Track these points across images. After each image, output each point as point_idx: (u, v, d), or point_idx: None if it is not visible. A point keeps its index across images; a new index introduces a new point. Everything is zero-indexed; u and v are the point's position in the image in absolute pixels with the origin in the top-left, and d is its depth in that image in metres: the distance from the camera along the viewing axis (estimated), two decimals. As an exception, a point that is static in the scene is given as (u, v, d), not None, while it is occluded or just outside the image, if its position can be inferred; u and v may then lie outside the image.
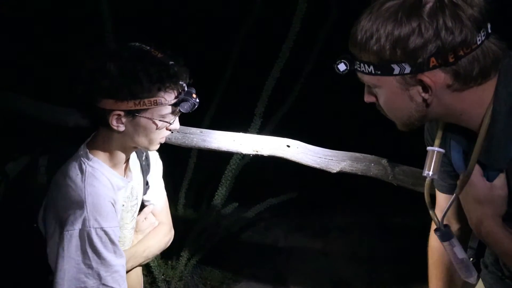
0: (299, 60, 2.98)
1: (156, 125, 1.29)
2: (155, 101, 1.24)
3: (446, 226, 1.13)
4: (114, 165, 1.36)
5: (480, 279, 1.36)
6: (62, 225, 1.26)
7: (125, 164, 1.42)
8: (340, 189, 3.80)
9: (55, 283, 1.25)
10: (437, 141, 1.10)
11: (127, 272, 1.47)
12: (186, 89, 1.29)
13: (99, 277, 1.26)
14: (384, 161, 1.88)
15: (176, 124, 1.35)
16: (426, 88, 0.96)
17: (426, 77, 0.94)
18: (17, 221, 1.35)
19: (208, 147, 1.84)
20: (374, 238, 3.65)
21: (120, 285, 1.29)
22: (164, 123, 1.30)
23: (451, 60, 0.91)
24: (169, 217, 1.70)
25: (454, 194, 1.07)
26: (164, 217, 1.68)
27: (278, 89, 2.84)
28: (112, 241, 1.28)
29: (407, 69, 0.93)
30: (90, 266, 1.25)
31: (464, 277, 1.14)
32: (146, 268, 3.01)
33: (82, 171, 1.29)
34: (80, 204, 1.25)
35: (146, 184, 1.60)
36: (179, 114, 1.34)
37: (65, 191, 1.28)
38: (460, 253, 1.11)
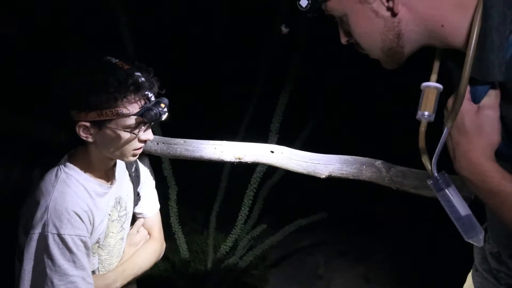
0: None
1: (123, 136, 1.24)
2: (116, 112, 1.19)
3: (441, 173, 0.89)
4: (93, 172, 1.33)
5: (471, 279, 1.15)
6: (27, 227, 1.24)
7: (108, 172, 1.38)
8: (384, 208, 3.52)
9: (18, 283, 1.23)
10: (433, 76, 0.91)
11: None
12: (152, 99, 1.24)
13: (52, 284, 1.20)
14: (378, 163, 1.65)
15: (147, 135, 1.29)
16: None
17: None
18: (12, 231, 1.36)
19: (192, 156, 1.77)
20: (423, 261, 3.27)
21: None
22: (132, 135, 1.24)
23: None
24: (161, 231, 1.63)
25: (446, 129, 0.85)
26: (156, 231, 1.61)
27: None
28: (70, 250, 1.21)
29: None
30: (44, 272, 1.21)
31: (467, 238, 0.87)
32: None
33: (56, 177, 1.28)
34: (43, 209, 1.22)
35: (137, 195, 1.56)
36: (149, 125, 1.28)
37: (35, 195, 1.27)
38: (461, 207, 0.86)
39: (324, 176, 1.69)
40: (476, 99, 0.82)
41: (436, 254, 3.17)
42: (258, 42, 3.13)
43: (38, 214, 1.22)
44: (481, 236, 0.85)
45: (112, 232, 1.42)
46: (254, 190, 2.82)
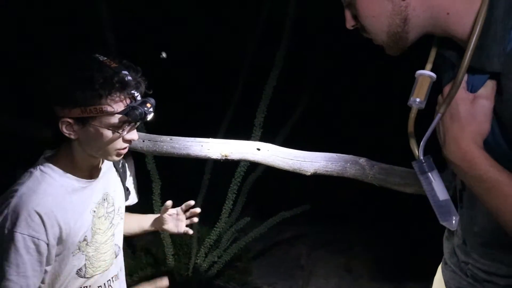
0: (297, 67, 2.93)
1: (106, 134, 1.23)
2: (100, 109, 1.19)
3: (426, 157, 0.91)
4: (74, 170, 1.32)
5: (441, 272, 1.20)
6: None
7: (92, 170, 1.38)
8: (365, 202, 3.62)
9: None
10: (428, 65, 0.93)
11: None
12: (138, 98, 1.24)
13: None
14: (361, 160, 1.72)
15: (132, 135, 1.28)
16: None
17: None
18: None
19: (178, 154, 1.79)
20: (402, 253, 3.38)
21: None
22: (116, 133, 1.24)
23: None
24: None
25: (438, 114, 0.86)
26: None
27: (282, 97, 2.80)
28: (17, 250, 1.18)
29: None
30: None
31: (441, 221, 0.91)
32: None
33: (30, 175, 1.27)
34: (6, 203, 1.22)
35: (127, 190, 1.56)
36: (134, 124, 1.27)
37: (7, 191, 1.26)
38: (441, 192, 0.89)
39: (309, 173, 1.75)
40: (472, 89, 0.84)
41: (414, 246, 3.28)
42: (243, 36, 3.16)
43: (2, 208, 1.22)
44: (454, 221, 0.89)
45: (100, 229, 1.41)
46: (238, 184, 2.86)
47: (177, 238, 3.31)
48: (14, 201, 1.21)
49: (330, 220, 3.73)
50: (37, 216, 1.21)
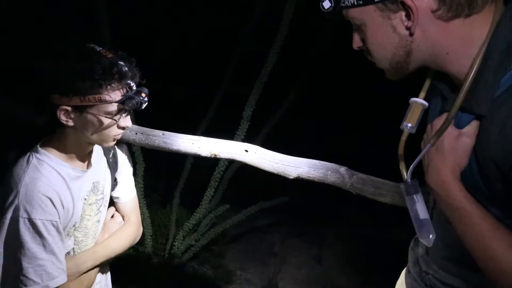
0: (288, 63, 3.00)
1: (103, 121, 1.31)
2: (99, 98, 1.26)
3: (414, 179, 1.01)
4: (68, 157, 1.40)
5: (404, 278, 1.32)
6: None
7: (84, 158, 1.45)
8: (338, 197, 3.77)
9: None
10: (422, 94, 1.03)
11: (87, 271, 1.49)
12: (134, 88, 1.32)
13: (21, 267, 1.27)
14: (342, 169, 1.84)
15: (126, 122, 1.36)
16: (408, 14, 0.90)
17: None
18: None
19: (169, 149, 1.88)
20: (371, 246, 3.58)
21: (42, 280, 1.29)
22: (112, 121, 1.32)
23: None
24: (138, 216, 1.73)
25: (429, 144, 0.96)
26: (133, 216, 1.71)
27: (271, 94, 2.89)
28: (40, 234, 1.27)
29: None
30: (14, 255, 1.28)
31: (420, 237, 1.02)
32: (135, 261, 3.10)
33: (27, 163, 1.34)
34: (14, 194, 1.28)
35: (114, 180, 1.63)
36: (128, 112, 1.36)
37: (6, 181, 1.33)
38: (422, 212, 1.01)
39: (292, 177, 1.86)
40: (458, 124, 0.93)
41: (385, 241, 3.47)
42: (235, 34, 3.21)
43: (9, 199, 1.29)
44: (431, 239, 1.01)
45: (89, 215, 1.50)
46: (221, 172, 2.96)
47: (155, 218, 3.41)
48: (21, 191, 1.29)
49: (306, 212, 3.88)
50: (48, 200, 1.31)
